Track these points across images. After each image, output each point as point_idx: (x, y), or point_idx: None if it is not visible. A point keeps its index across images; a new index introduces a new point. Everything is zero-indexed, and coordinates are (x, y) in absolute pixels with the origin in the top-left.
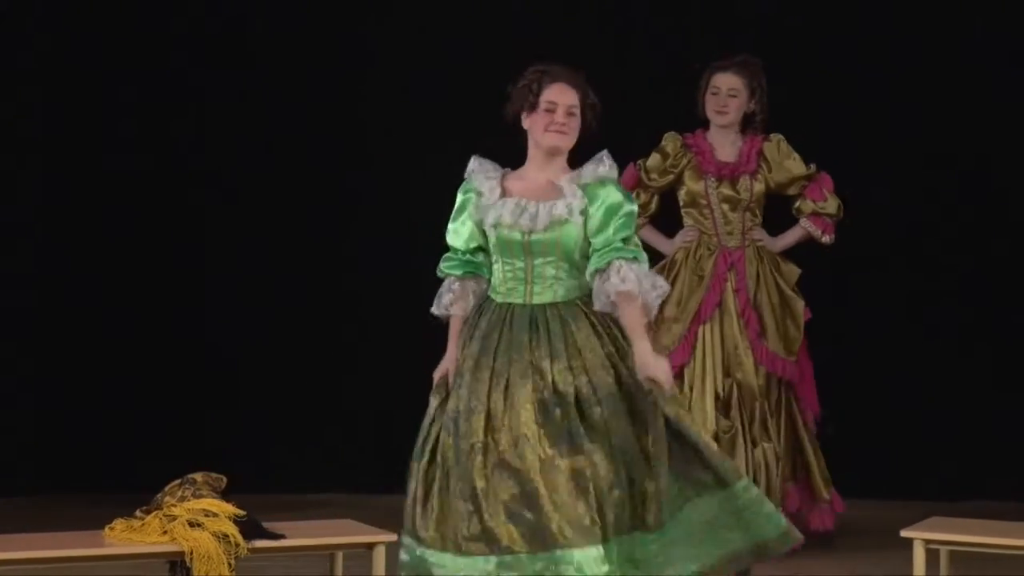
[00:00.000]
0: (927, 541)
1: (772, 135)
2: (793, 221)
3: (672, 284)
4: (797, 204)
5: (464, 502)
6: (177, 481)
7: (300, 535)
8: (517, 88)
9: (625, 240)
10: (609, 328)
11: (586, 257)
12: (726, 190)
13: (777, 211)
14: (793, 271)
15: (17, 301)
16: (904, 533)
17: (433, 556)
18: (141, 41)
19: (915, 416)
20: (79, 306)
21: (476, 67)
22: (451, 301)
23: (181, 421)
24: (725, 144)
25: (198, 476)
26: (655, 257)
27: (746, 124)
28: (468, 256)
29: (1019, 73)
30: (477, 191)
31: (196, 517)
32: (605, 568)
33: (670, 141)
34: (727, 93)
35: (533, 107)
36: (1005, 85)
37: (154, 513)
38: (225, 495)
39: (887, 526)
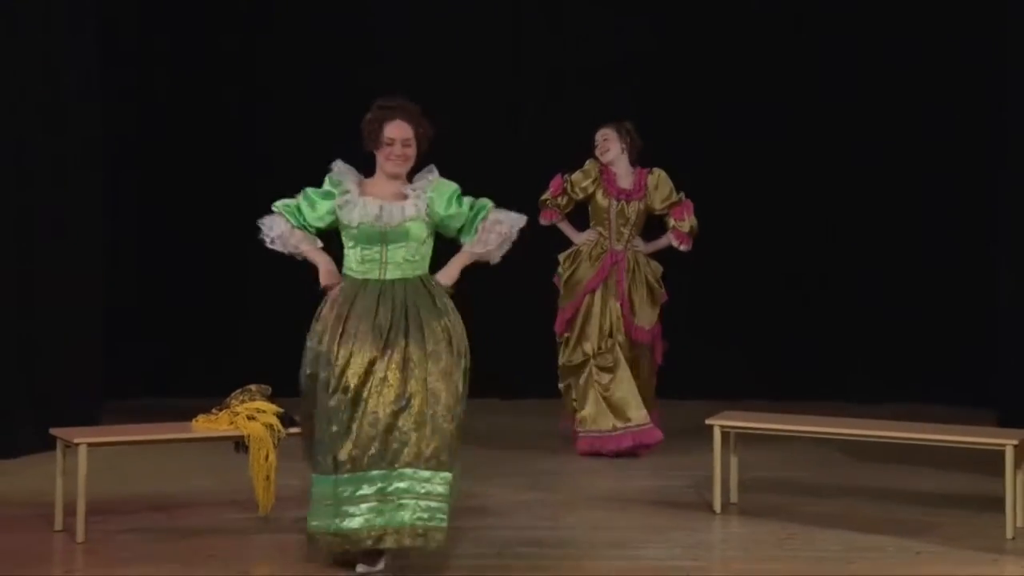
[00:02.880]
0: (722, 427)
1: (655, 169)
2: (662, 231)
3: (575, 267)
4: (666, 221)
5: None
6: (239, 390)
7: None
8: (365, 123)
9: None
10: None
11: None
12: (622, 210)
13: (655, 225)
14: (657, 268)
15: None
16: (708, 421)
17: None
18: None
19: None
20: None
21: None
22: (298, 240)
23: (242, 349)
24: (624, 174)
25: (253, 386)
26: (566, 243)
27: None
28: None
29: None
30: (344, 189)
31: (252, 413)
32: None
33: (592, 166)
34: (602, 139)
35: (376, 142)
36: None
37: (223, 411)
38: (271, 399)
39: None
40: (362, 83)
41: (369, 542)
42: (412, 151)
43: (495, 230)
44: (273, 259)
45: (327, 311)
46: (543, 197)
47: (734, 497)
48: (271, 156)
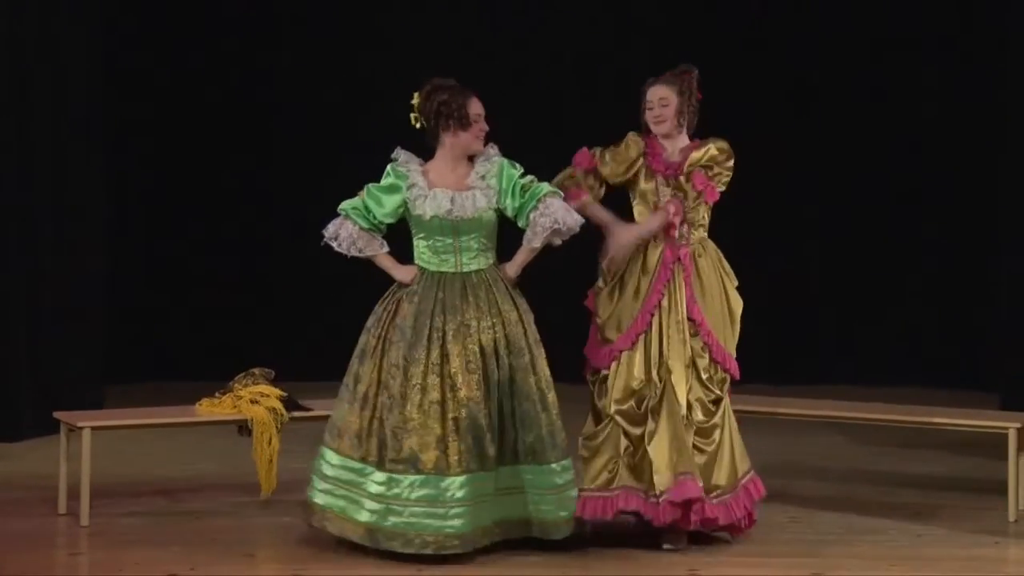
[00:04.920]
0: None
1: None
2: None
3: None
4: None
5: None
6: (242, 374)
7: (322, 408)
8: (439, 105)
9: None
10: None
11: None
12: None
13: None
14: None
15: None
16: None
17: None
18: None
19: None
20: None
21: None
22: (365, 244)
23: (246, 333)
24: (674, 150)
25: (256, 370)
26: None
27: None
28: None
29: None
30: (411, 181)
31: (255, 397)
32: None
33: (634, 140)
34: (659, 103)
35: (461, 122)
36: None
37: (227, 394)
38: (274, 383)
39: None
40: (364, 71)
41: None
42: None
43: (539, 223)
44: (279, 242)
45: (406, 305)
46: (562, 175)
47: None
48: (275, 138)
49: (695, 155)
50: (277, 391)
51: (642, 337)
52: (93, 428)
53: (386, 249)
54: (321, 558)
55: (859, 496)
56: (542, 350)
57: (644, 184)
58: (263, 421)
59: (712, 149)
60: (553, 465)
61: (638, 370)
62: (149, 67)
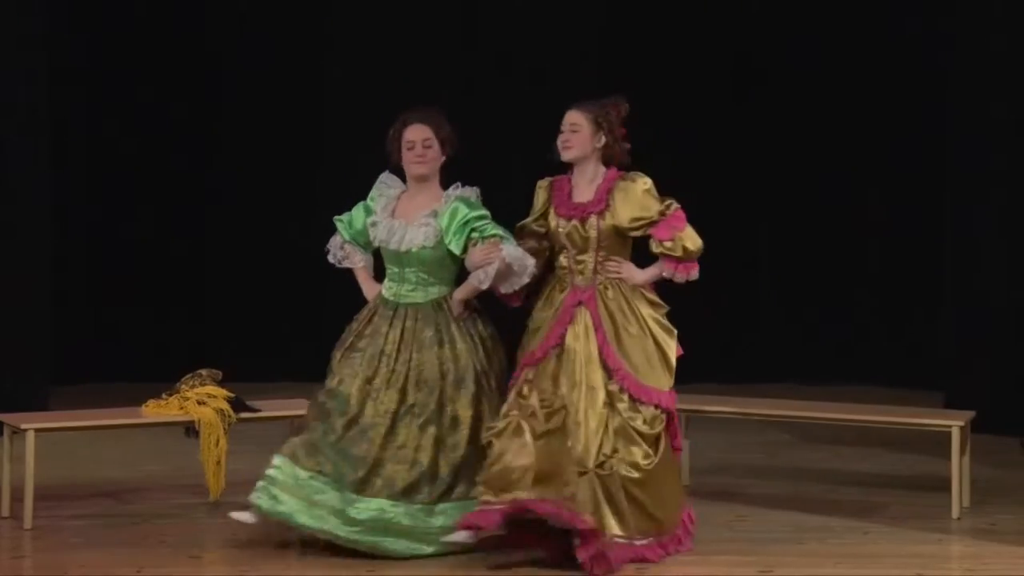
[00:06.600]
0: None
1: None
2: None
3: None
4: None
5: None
6: (189, 375)
7: (270, 409)
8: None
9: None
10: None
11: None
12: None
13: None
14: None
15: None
16: None
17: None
18: None
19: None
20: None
21: None
22: (345, 256)
23: (194, 334)
24: (584, 185)
25: (203, 371)
26: None
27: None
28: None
29: None
30: (375, 208)
31: (202, 398)
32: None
33: (542, 188)
34: (569, 128)
35: (399, 150)
36: None
37: (174, 395)
38: (221, 384)
39: None
40: (329, 73)
41: None
42: (434, 152)
43: (493, 264)
44: (224, 245)
45: (354, 324)
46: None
47: (686, 479)
48: (223, 137)
49: (623, 214)
50: (224, 392)
51: (545, 366)
52: (37, 430)
53: (364, 264)
54: (269, 559)
55: (805, 494)
56: (471, 389)
57: (554, 227)
58: (210, 422)
59: (635, 208)
60: (423, 506)
61: (540, 391)
62: (97, 57)
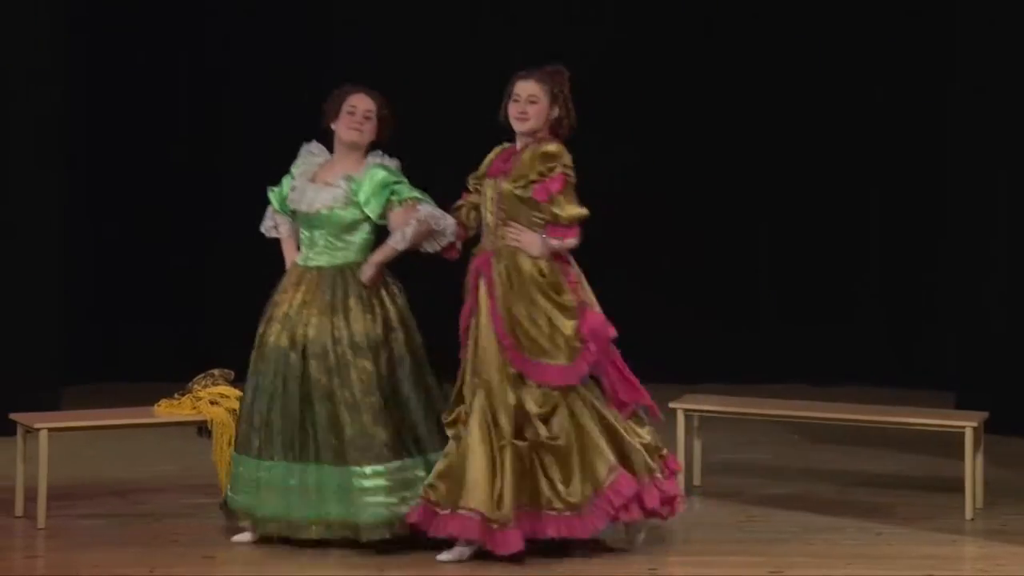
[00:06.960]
0: (685, 410)
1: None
2: None
3: None
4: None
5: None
6: (201, 375)
7: None
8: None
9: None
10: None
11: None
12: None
13: None
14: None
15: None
16: (671, 405)
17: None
18: None
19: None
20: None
21: None
22: (273, 225)
23: (205, 334)
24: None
25: (216, 371)
26: None
27: (555, 132)
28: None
29: None
30: (296, 173)
31: (214, 398)
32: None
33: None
34: (527, 100)
35: (337, 113)
36: None
37: (186, 395)
38: (233, 384)
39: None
40: (324, 68)
41: None
42: (372, 125)
43: (411, 224)
44: (235, 243)
45: (274, 294)
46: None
47: (697, 480)
48: (231, 141)
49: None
50: (237, 392)
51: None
52: (50, 430)
53: (289, 234)
54: (282, 559)
55: (816, 495)
56: (370, 355)
57: (483, 188)
58: (223, 422)
59: (540, 149)
60: (356, 468)
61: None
62: (98, 57)
